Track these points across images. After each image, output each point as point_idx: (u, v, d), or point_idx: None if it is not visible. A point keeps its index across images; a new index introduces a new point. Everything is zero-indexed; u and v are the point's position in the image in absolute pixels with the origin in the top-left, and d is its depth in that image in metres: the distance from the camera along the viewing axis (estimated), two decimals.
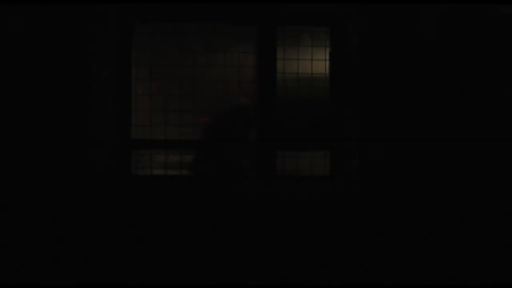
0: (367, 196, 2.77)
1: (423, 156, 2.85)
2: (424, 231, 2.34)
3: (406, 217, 2.45)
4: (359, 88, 3.14)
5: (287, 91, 3.30)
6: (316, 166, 3.33)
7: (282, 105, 3.28)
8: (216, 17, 3.21)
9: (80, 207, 2.21)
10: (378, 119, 3.03)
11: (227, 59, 3.21)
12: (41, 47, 2.13)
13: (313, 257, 2.79)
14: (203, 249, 2.90)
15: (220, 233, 3.03)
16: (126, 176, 3.04)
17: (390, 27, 2.99)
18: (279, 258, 2.88)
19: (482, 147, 2.61)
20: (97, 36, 2.39)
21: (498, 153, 2.56)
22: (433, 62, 2.81)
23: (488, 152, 2.60)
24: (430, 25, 2.82)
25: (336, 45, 3.36)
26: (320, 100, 3.33)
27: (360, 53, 3.09)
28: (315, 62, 3.33)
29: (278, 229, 2.93)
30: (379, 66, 3.02)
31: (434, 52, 2.81)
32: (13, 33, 2.09)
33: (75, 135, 2.21)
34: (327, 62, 3.34)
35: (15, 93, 2.10)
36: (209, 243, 2.92)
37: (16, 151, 2.10)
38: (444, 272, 2.21)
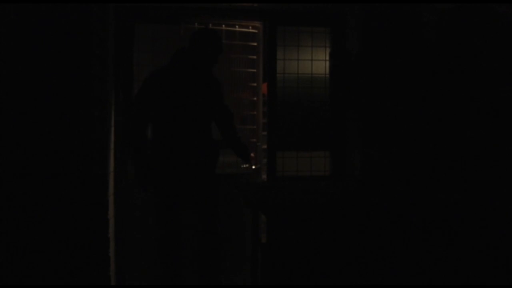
0: (367, 196, 2.77)
1: (424, 155, 2.86)
2: (425, 231, 2.34)
3: (406, 216, 2.44)
4: (359, 88, 3.14)
5: (287, 91, 3.31)
6: (316, 166, 3.33)
7: (282, 105, 3.29)
8: (217, 17, 3.21)
9: (79, 208, 2.21)
10: (378, 119, 3.03)
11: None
12: (40, 46, 2.12)
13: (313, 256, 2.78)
14: None
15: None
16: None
17: (390, 27, 2.99)
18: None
19: (483, 146, 2.62)
20: (97, 37, 2.39)
21: (499, 154, 2.57)
22: (433, 62, 2.81)
23: (489, 151, 2.60)
24: (430, 25, 2.82)
25: (336, 45, 3.36)
26: (320, 100, 3.34)
27: (360, 53, 3.09)
28: (315, 62, 3.33)
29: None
30: (379, 66, 3.02)
31: (434, 52, 2.82)
32: (12, 32, 2.09)
33: (75, 136, 2.20)
34: (327, 62, 3.35)
35: (13, 94, 2.09)
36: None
37: (15, 152, 2.09)
38: (444, 272, 2.21)
